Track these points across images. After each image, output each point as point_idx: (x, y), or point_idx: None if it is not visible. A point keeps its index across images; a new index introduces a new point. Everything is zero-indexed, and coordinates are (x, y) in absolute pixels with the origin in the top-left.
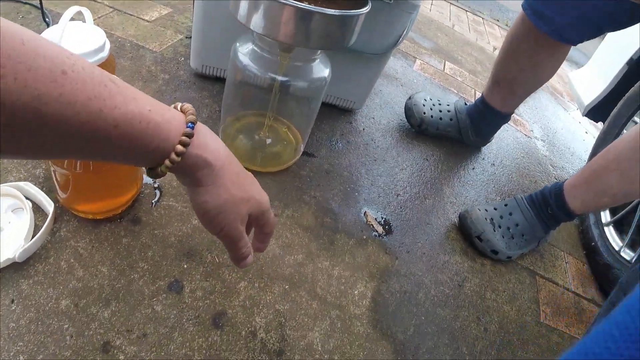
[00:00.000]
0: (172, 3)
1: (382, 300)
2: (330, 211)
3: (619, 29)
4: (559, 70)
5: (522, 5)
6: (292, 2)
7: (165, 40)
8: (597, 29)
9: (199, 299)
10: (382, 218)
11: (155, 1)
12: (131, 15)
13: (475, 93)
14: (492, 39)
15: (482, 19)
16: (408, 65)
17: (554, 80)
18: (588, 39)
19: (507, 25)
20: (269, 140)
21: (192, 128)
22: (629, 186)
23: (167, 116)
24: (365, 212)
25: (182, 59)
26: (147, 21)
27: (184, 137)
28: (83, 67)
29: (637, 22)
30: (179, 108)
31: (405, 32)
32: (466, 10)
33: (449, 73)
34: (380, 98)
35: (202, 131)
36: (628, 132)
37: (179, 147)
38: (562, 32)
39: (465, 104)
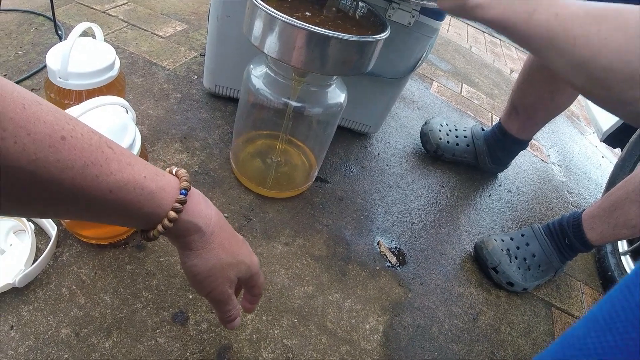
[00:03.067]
0: (187, 19)
1: (394, 334)
2: (343, 240)
3: None
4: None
5: None
6: (308, 26)
7: (178, 57)
8: None
9: (204, 332)
10: (395, 248)
11: (171, 17)
12: (145, 30)
13: (492, 117)
14: (509, 61)
15: (500, 40)
16: (425, 87)
17: (572, 104)
18: None
19: None
20: (281, 164)
21: (186, 195)
22: None
23: (162, 183)
24: (379, 241)
25: (196, 77)
26: (162, 37)
27: (176, 204)
28: (82, 132)
29: None
30: (174, 172)
31: (424, 56)
32: (484, 32)
33: (466, 96)
34: (396, 122)
35: (195, 197)
36: None
37: (172, 214)
38: None
39: (483, 129)
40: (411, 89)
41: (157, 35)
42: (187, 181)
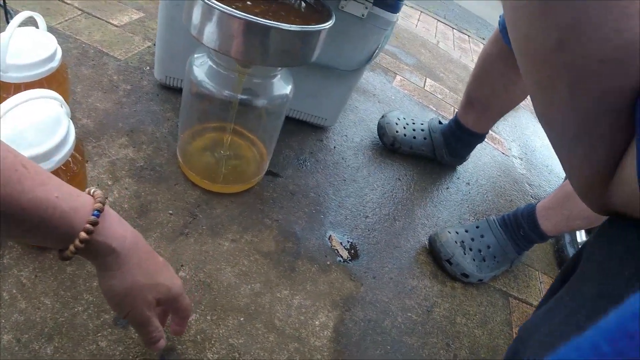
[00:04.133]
0: (145, 7)
1: (345, 330)
2: (293, 235)
3: None
4: None
5: (498, 23)
6: (246, 16)
7: (132, 47)
8: None
9: None
10: (348, 242)
11: (128, 5)
12: (100, 19)
13: (454, 111)
14: (475, 56)
15: (468, 36)
16: (387, 81)
17: None
18: None
19: None
20: (230, 157)
21: (98, 216)
22: None
23: (75, 203)
24: (331, 236)
25: (148, 68)
26: (116, 26)
27: (88, 225)
28: None
29: None
30: (91, 193)
31: (378, 49)
32: (453, 28)
33: (429, 90)
34: (355, 115)
35: (109, 218)
36: None
37: (83, 235)
38: None
39: (440, 122)
40: (373, 82)
41: (111, 24)
42: (101, 202)
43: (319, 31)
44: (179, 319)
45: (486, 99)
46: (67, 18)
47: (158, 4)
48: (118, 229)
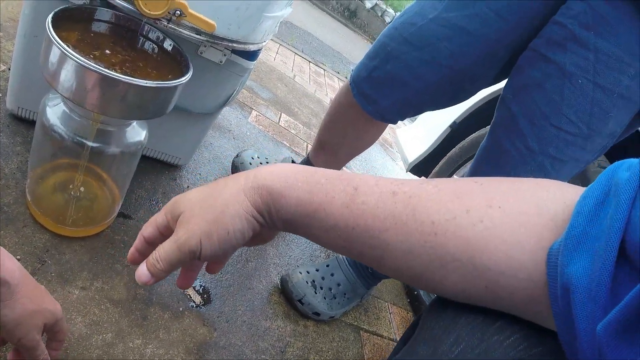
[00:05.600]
0: (3, 25)
1: None
2: None
3: (439, 109)
4: None
5: (349, 81)
6: (103, 70)
7: None
8: (418, 110)
9: None
10: (200, 286)
11: None
12: None
13: (307, 146)
14: (330, 90)
15: (324, 70)
16: (243, 116)
17: (385, 132)
18: (409, 117)
19: (346, 77)
20: (80, 198)
21: None
22: None
23: None
24: None
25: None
26: None
27: None
28: None
29: (456, 104)
30: None
31: (234, 93)
32: (309, 61)
33: (284, 125)
34: (209, 152)
35: (2, 253)
36: None
37: None
38: (385, 114)
39: (293, 161)
40: (229, 117)
41: None
42: None
43: (175, 87)
44: (56, 342)
45: (336, 144)
46: None
47: (17, 23)
48: (7, 262)
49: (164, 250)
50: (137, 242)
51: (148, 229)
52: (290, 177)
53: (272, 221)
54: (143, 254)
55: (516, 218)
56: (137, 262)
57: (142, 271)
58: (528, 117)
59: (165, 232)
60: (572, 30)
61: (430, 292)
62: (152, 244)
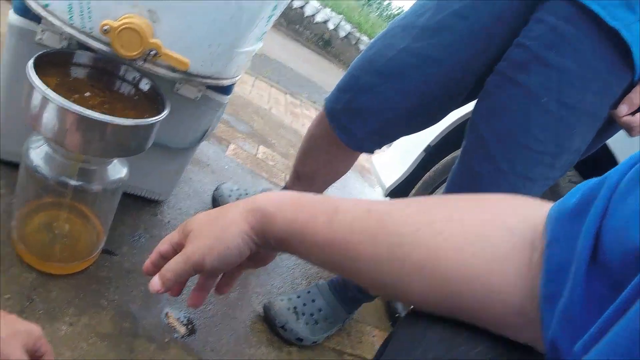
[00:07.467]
0: None
1: None
2: (130, 315)
3: (414, 133)
4: None
5: (326, 114)
6: (79, 110)
7: None
8: (394, 137)
9: None
10: (185, 317)
11: None
12: None
13: (285, 177)
14: (306, 120)
15: (300, 101)
16: (221, 150)
17: (362, 158)
18: (386, 144)
19: (321, 107)
20: (65, 236)
21: None
22: None
23: None
24: (167, 312)
25: None
26: None
27: None
28: None
29: (430, 126)
30: None
31: (211, 128)
32: (285, 93)
33: (261, 157)
34: (189, 187)
35: None
36: None
37: None
38: (361, 145)
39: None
40: (207, 152)
41: None
42: None
43: (153, 123)
44: None
45: (312, 174)
46: None
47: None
48: None
49: (174, 262)
50: (153, 255)
51: (164, 245)
52: (281, 201)
53: (266, 240)
54: (156, 267)
55: (474, 230)
56: (150, 273)
57: (155, 280)
58: (498, 139)
59: (177, 249)
60: (535, 51)
61: (402, 302)
62: (165, 259)
